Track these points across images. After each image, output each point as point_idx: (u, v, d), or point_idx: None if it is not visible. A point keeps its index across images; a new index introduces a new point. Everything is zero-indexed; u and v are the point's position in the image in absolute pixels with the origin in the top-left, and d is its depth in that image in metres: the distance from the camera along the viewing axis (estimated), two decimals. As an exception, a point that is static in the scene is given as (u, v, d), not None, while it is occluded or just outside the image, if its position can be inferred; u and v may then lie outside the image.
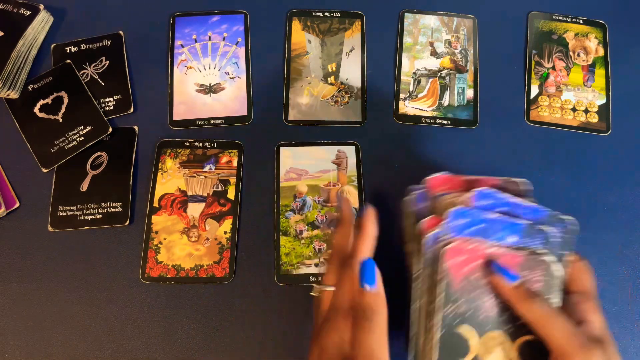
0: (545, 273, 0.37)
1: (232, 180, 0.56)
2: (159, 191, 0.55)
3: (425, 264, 0.38)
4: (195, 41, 0.62)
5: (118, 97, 0.59)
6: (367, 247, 0.39)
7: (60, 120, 0.58)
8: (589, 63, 0.62)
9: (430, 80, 0.61)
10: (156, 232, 0.54)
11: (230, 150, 0.57)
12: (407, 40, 0.62)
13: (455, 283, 0.37)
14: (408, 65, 0.61)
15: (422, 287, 0.39)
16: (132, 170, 0.56)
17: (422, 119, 0.59)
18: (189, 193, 0.55)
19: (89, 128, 0.57)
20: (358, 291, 0.36)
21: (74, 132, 0.57)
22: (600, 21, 0.64)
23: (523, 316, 0.36)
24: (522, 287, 0.36)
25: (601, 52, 0.63)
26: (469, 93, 0.60)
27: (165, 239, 0.54)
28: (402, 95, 0.60)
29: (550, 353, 0.34)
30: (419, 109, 0.60)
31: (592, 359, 0.32)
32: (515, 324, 0.37)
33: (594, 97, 0.61)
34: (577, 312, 0.36)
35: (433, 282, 0.38)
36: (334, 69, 0.61)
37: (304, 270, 0.53)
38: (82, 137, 0.57)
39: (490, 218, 0.38)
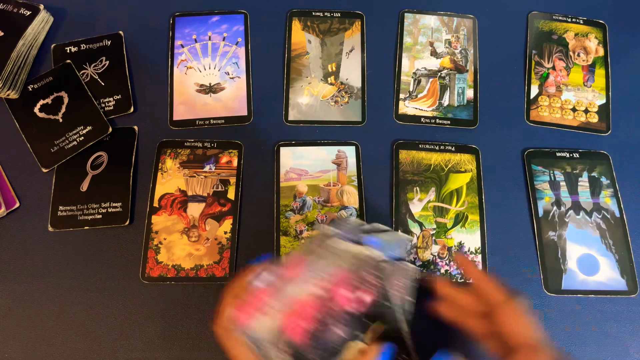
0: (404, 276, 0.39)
1: (232, 180, 0.56)
2: (159, 191, 0.55)
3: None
4: (195, 41, 0.62)
5: (118, 97, 0.59)
6: None
7: (60, 120, 0.58)
8: (589, 63, 0.62)
9: (430, 80, 0.61)
10: (156, 232, 0.54)
11: (230, 150, 0.57)
12: (407, 40, 0.62)
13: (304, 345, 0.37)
14: (408, 65, 0.61)
15: None
16: (132, 170, 0.56)
17: (422, 119, 0.59)
18: (189, 193, 0.55)
19: (89, 128, 0.57)
20: None
21: (74, 132, 0.57)
22: (600, 21, 0.64)
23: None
24: None
25: (601, 52, 0.63)
26: (469, 93, 0.60)
27: (165, 239, 0.54)
28: (402, 95, 0.60)
29: None
30: (419, 109, 0.60)
31: None
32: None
33: (594, 97, 0.61)
34: None
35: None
36: (334, 69, 0.61)
37: (304, 270, 0.53)
38: (82, 137, 0.57)
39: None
